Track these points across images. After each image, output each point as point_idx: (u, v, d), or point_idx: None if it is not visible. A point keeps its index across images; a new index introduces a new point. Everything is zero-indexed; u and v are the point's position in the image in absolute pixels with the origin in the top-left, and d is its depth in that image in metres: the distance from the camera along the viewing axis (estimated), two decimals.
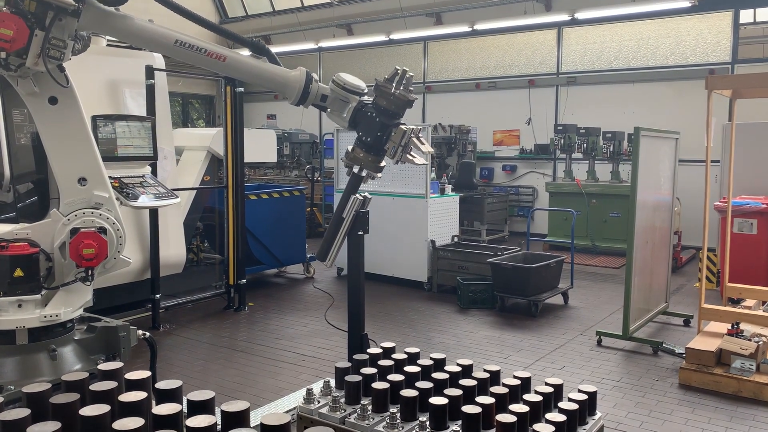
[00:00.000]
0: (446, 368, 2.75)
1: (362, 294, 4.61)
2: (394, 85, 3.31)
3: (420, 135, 3.50)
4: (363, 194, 4.55)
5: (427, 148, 3.50)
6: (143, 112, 5.99)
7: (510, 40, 13.11)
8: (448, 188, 8.29)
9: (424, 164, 3.59)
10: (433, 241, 7.83)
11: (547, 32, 12.61)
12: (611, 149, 10.61)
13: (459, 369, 2.74)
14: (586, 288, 8.07)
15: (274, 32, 16.29)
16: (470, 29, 12.25)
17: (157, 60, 6.35)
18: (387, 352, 3.09)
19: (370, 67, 14.89)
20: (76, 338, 3.44)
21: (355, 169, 3.48)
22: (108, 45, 6.44)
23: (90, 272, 3.57)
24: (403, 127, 3.34)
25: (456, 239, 8.23)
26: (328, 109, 3.43)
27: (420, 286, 7.95)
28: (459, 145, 12.14)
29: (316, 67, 15.95)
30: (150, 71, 5.99)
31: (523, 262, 7.23)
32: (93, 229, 3.53)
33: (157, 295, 6.19)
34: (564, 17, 11.32)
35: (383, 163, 3.56)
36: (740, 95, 5.95)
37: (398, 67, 3.32)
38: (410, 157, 3.41)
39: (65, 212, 3.35)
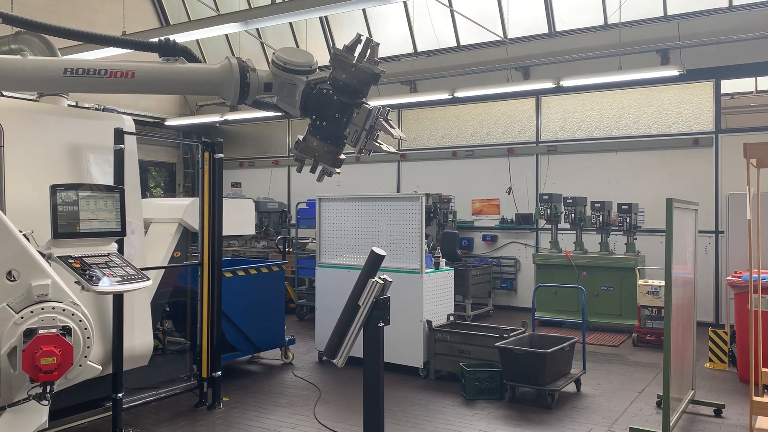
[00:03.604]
0: None
1: (382, 398, 3.84)
2: (356, 55, 2.68)
3: (389, 117, 2.85)
4: (383, 277, 3.85)
5: (398, 132, 2.83)
6: (109, 181, 5.22)
7: (487, 109, 12.85)
8: (443, 262, 7.63)
9: (394, 153, 2.90)
10: (429, 322, 7.09)
11: (525, 101, 12.40)
12: (600, 219, 10.21)
13: None
14: (593, 370, 7.40)
15: None
16: (449, 97, 11.90)
17: (127, 122, 5.65)
18: None
19: None
20: None
21: (308, 163, 2.80)
22: (70, 105, 5.74)
23: (49, 388, 2.77)
24: (367, 105, 2.69)
25: (452, 318, 7.51)
26: (276, 99, 2.80)
27: (415, 372, 7.14)
28: (439, 214, 11.57)
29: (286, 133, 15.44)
30: (120, 134, 5.25)
31: (530, 345, 6.55)
32: (54, 330, 2.75)
33: (120, 394, 5.24)
34: (545, 85, 11.06)
35: (343, 156, 2.88)
36: (765, 164, 5.56)
37: (361, 34, 2.70)
38: (377, 144, 2.73)
39: (17, 307, 2.58)
